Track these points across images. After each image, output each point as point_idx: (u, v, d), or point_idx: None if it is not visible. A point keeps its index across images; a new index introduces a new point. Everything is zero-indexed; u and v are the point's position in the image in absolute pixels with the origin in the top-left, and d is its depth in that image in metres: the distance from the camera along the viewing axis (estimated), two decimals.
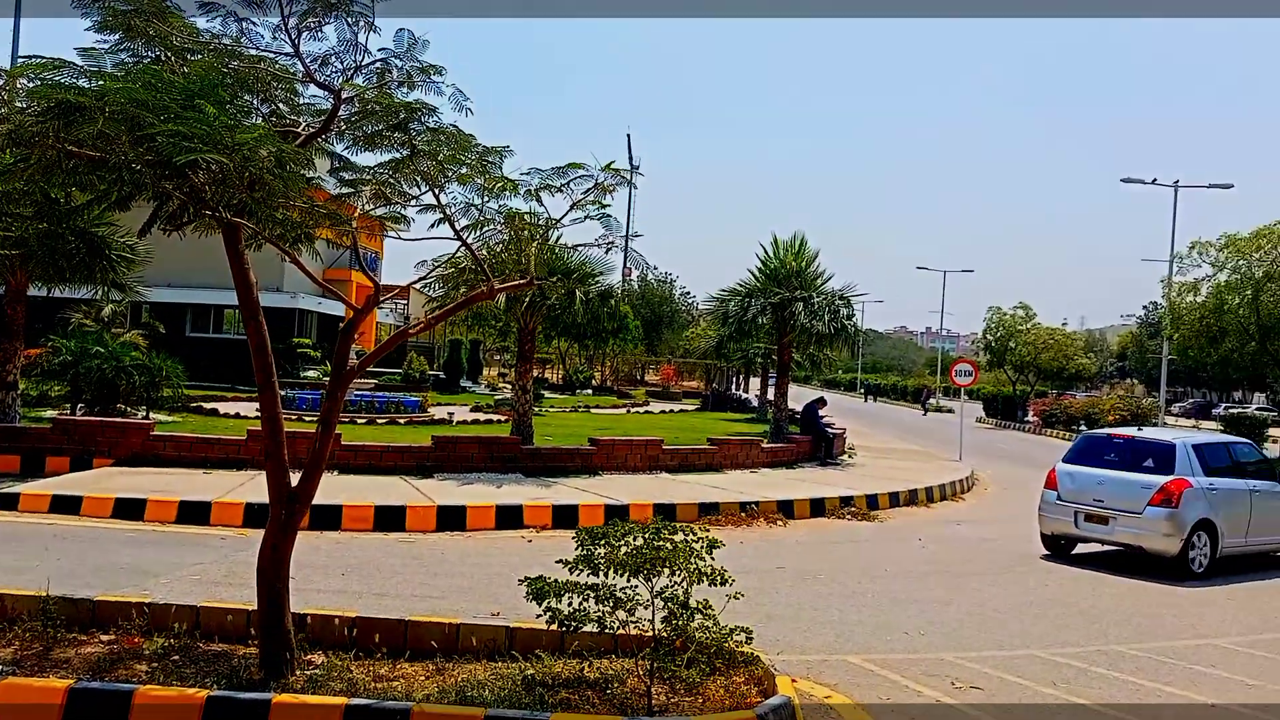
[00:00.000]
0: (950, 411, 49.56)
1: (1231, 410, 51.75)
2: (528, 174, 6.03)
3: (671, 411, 32.94)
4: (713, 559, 5.47)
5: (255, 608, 5.62)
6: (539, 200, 6.10)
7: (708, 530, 5.76)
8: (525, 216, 6.36)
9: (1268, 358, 27.46)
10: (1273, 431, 34.47)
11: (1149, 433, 12.49)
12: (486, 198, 6.03)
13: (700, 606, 5.35)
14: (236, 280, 5.42)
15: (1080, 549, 11.84)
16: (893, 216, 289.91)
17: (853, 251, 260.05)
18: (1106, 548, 11.66)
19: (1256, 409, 55.71)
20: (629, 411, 31.34)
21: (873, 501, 14.64)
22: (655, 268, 54.08)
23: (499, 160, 5.88)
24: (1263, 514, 11.51)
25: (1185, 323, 28.21)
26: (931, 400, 59.72)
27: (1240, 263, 26.28)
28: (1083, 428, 39.80)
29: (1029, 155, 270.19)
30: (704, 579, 5.38)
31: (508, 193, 6.00)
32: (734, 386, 51.21)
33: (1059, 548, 11.77)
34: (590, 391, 41.92)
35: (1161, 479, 10.81)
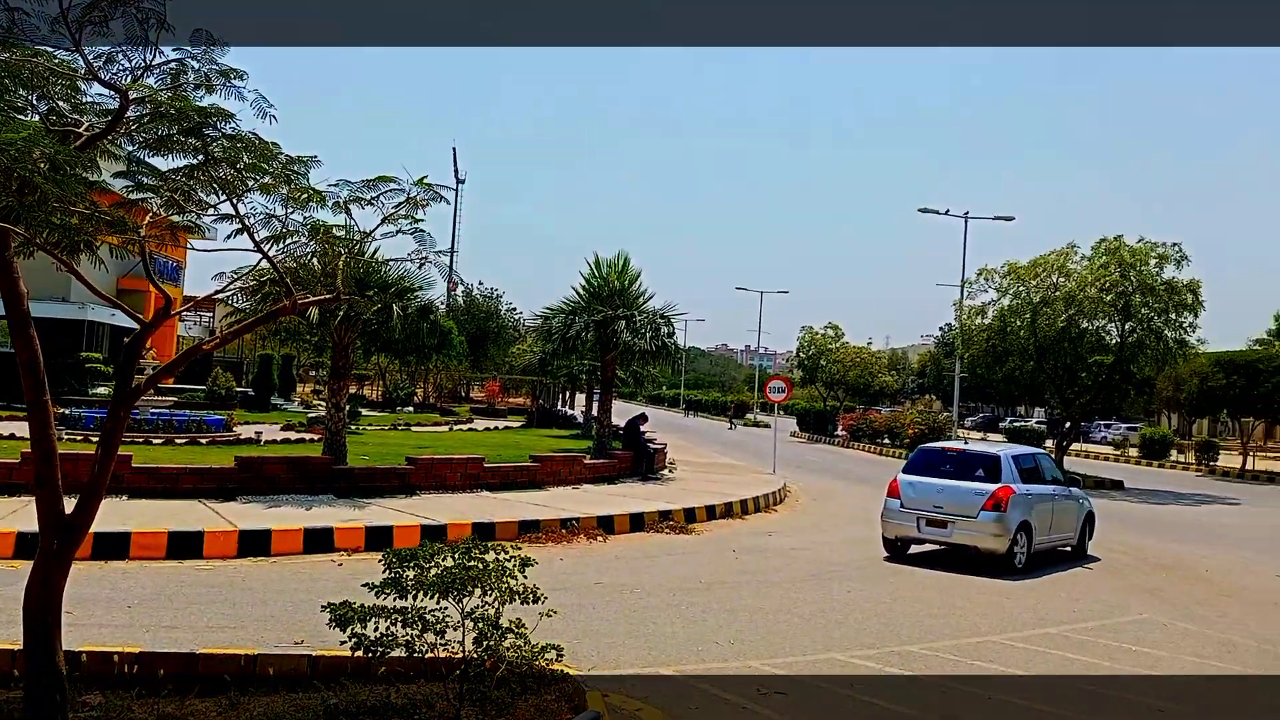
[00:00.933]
0: (766, 426, 51.55)
1: (1015, 424, 56.43)
2: (336, 185, 5.84)
3: (496, 429, 32.60)
4: (525, 577, 5.46)
5: (21, 647, 5.14)
6: (348, 213, 5.92)
7: (520, 549, 5.73)
8: (334, 229, 6.16)
9: (1044, 376, 30.16)
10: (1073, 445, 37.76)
11: (975, 446, 13.98)
12: (291, 208, 5.79)
13: (512, 626, 5.32)
14: (3, 291, 4.97)
15: (913, 549, 12.85)
16: (716, 238, 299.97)
17: (677, 272, 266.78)
18: (928, 547, 12.97)
19: (1036, 422, 61.03)
20: (451, 429, 30.78)
21: (690, 515, 15.01)
22: (480, 283, 53.42)
23: (305, 170, 5.66)
24: (1060, 515, 13.24)
25: (974, 343, 30.60)
26: (749, 415, 61.99)
27: (1020, 289, 28.80)
28: (886, 440, 42.37)
29: (841, 183, 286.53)
30: (516, 598, 5.36)
31: (314, 204, 5.79)
32: (560, 403, 51.27)
33: (898, 550, 12.90)
34: (411, 409, 40.89)
35: (991, 486, 12.19)
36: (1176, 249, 27.09)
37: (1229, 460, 39.98)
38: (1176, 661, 8.05)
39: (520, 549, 5.72)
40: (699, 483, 19.47)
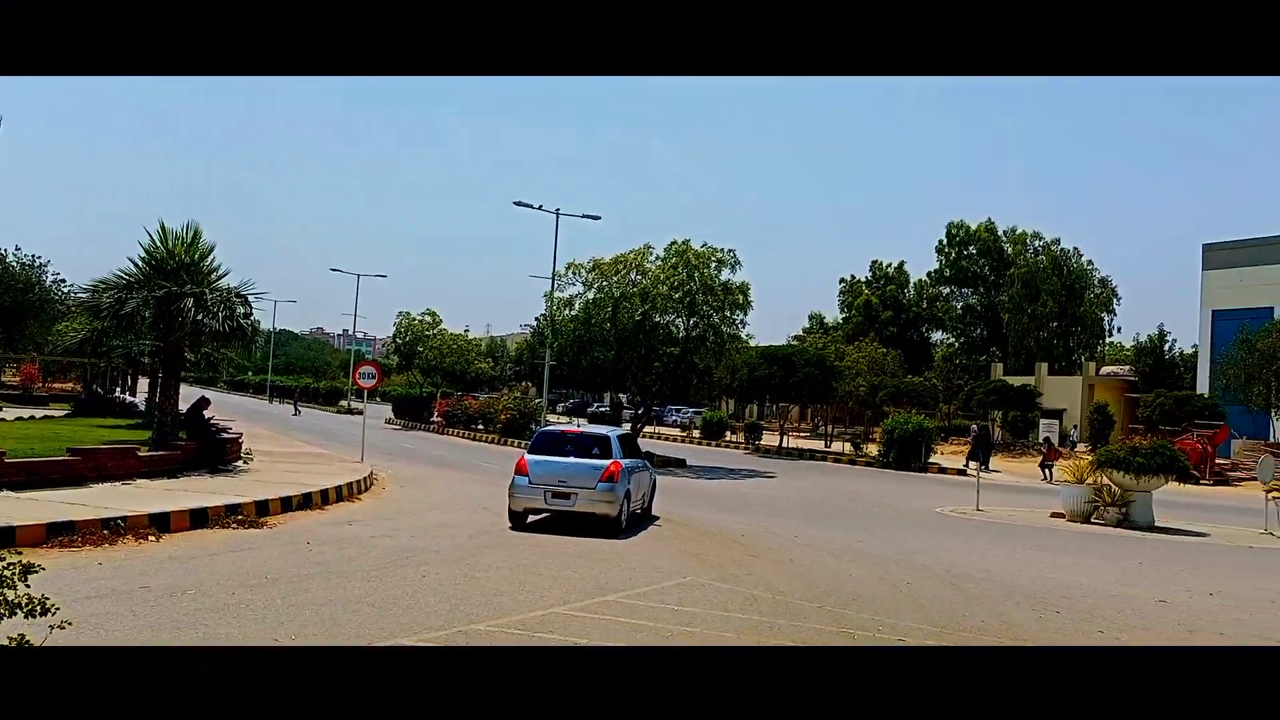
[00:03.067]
0: (360, 413, 49.97)
1: (601, 409, 60.28)
2: None
3: (33, 418, 28.06)
4: (28, 586, 4.74)
5: None
6: None
7: (20, 555, 4.95)
8: None
9: (624, 365, 32.63)
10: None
11: (590, 428, 16.51)
12: None
13: None
14: None
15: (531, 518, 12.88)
16: (310, 217, 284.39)
17: (264, 249, 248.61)
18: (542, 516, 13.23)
19: (620, 408, 65.81)
20: None
21: (263, 507, 14.09)
22: (18, 248, 45.51)
23: None
24: (641, 484, 15.91)
25: (563, 333, 32.26)
26: (343, 402, 59.71)
27: (604, 283, 30.86)
28: (480, 426, 43.17)
29: (445, 169, 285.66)
30: (19, 610, 4.63)
31: None
32: (121, 389, 45.46)
33: (521, 520, 14.60)
34: None
35: (605, 462, 14.42)
36: (732, 254, 30.73)
37: (770, 439, 46.25)
38: (709, 617, 9.11)
39: (20, 555, 4.95)
40: (277, 473, 18.36)
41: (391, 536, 13.11)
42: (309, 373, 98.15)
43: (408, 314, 50.53)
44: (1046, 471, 33.35)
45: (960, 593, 11.10)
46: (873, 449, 40.30)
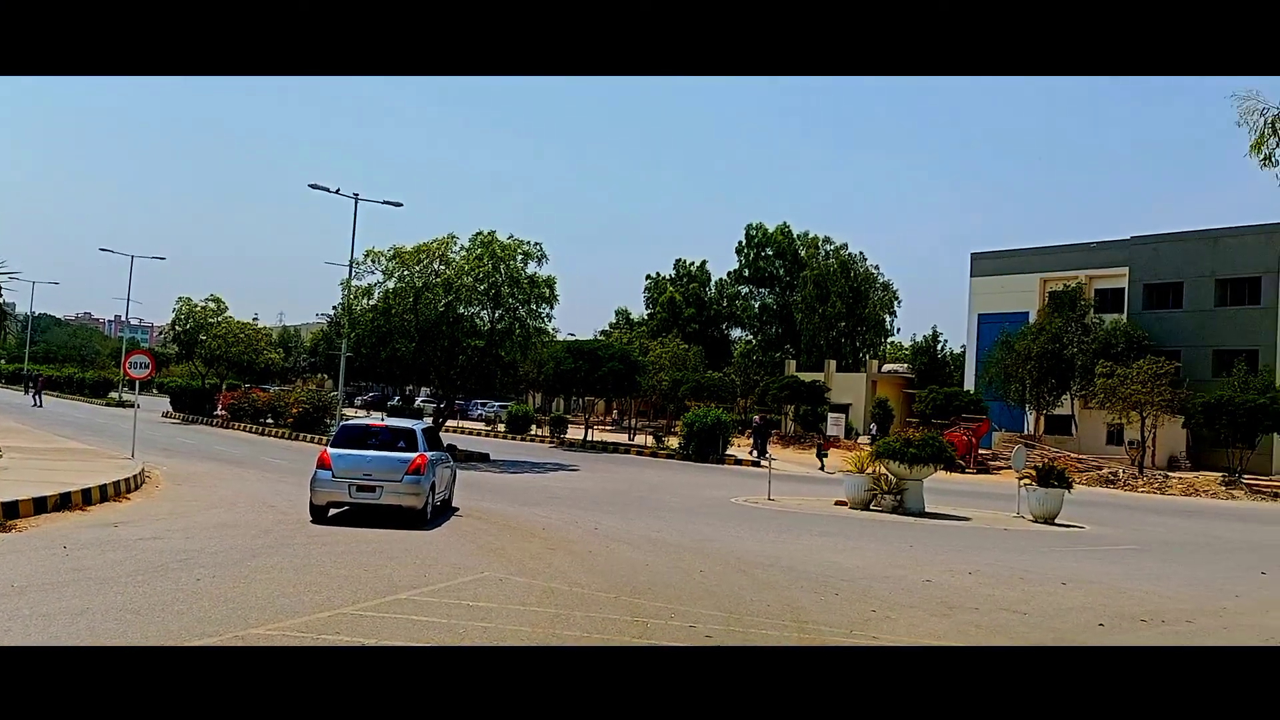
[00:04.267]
0: (133, 405, 46.17)
1: (397, 404, 58.56)
2: None
3: None
4: None
5: None
6: None
7: None
8: None
9: (425, 358, 31.82)
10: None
11: (394, 421, 16.61)
12: None
13: None
14: None
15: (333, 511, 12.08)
16: (72, 193, 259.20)
17: (29, 227, 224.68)
18: (344, 509, 14.64)
19: (422, 401, 64.28)
20: None
21: (11, 509, 12.70)
22: None
23: None
24: (445, 478, 16.01)
25: (361, 323, 31.05)
26: (113, 394, 55.08)
27: (405, 272, 29.96)
28: (269, 420, 40.90)
29: (233, 147, 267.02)
30: None
31: None
32: None
33: (323, 514, 14.33)
34: None
35: (411, 455, 14.46)
36: (539, 248, 30.62)
37: (576, 433, 46.53)
38: (504, 611, 9.01)
39: None
40: (31, 471, 16.64)
41: (163, 538, 12.15)
42: (74, 361, 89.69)
43: (188, 300, 47.01)
44: (823, 461, 36.09)
45: (750, 578, 11.55)
46: (674, 442, 41.38)
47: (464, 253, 30.09)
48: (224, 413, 43.94)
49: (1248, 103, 7.51)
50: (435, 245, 30.03)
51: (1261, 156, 7.51)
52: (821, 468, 35.04)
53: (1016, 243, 61.94)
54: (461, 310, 30.12)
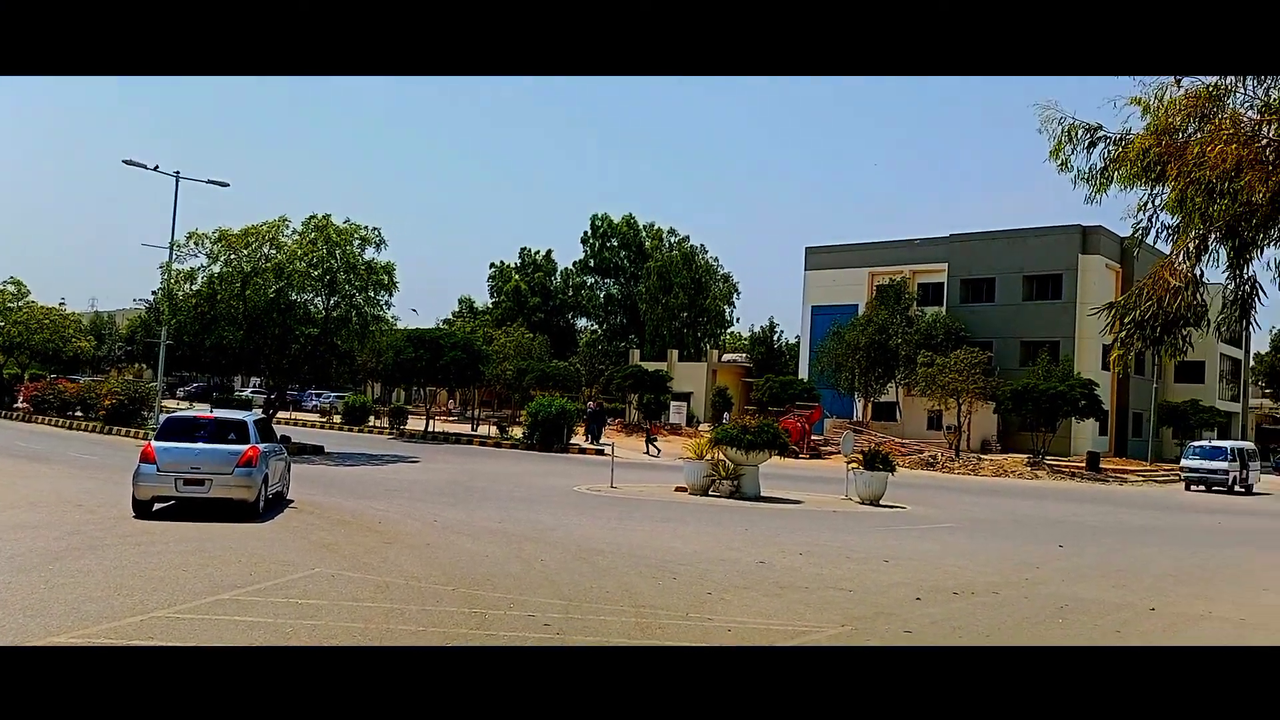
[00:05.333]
0: None
1: (221, 395, 55.65)
2: None
3: None
4: None
5: None
6: None
7: None
8: None
9: (255, 345, 30.30)
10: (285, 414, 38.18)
11: (223, 413, 15.82)
12: None
13: None
14: None
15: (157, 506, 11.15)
16: None
17: None
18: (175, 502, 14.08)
19: (252, 392, 61.23)
20: None
21: None
22: None
23: None
24: (279, 467, 15.82)
25: (182, 309, 29.21)
26: None
27: (231, 256, 28.38)
28: (78, 413, 38.00)
29: (38, 120, 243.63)
30: None
31: None
32: None
33: (147, 509, 13.91)
34: None
35: (243, 447, 14.11)
36: (376, 233, 29.65)
37: (417, 424, 45.49)
38: (335, 608, 8.71)
39: None
40: None
41: None
42: None
43: None
44: (650, 447, 37.67)
45: (590, 566, 11.63)
46: (518, 432, 41.11)
47: (297, 237, 28.76)
48: (26, 405, 40.49)
49: (1047, 112, 8.14)
50: (265, 228, 28.54)
51: (1059, 161, 8.15)
52: (647, 452, 36.85)
53: (849, 238, 64.77)
54: (294, 297, 28.77)
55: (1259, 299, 7.34)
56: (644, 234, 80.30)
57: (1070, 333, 48.60)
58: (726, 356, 71.66)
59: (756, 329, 75.10)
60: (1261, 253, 7.16)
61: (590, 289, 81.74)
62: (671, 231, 78.95)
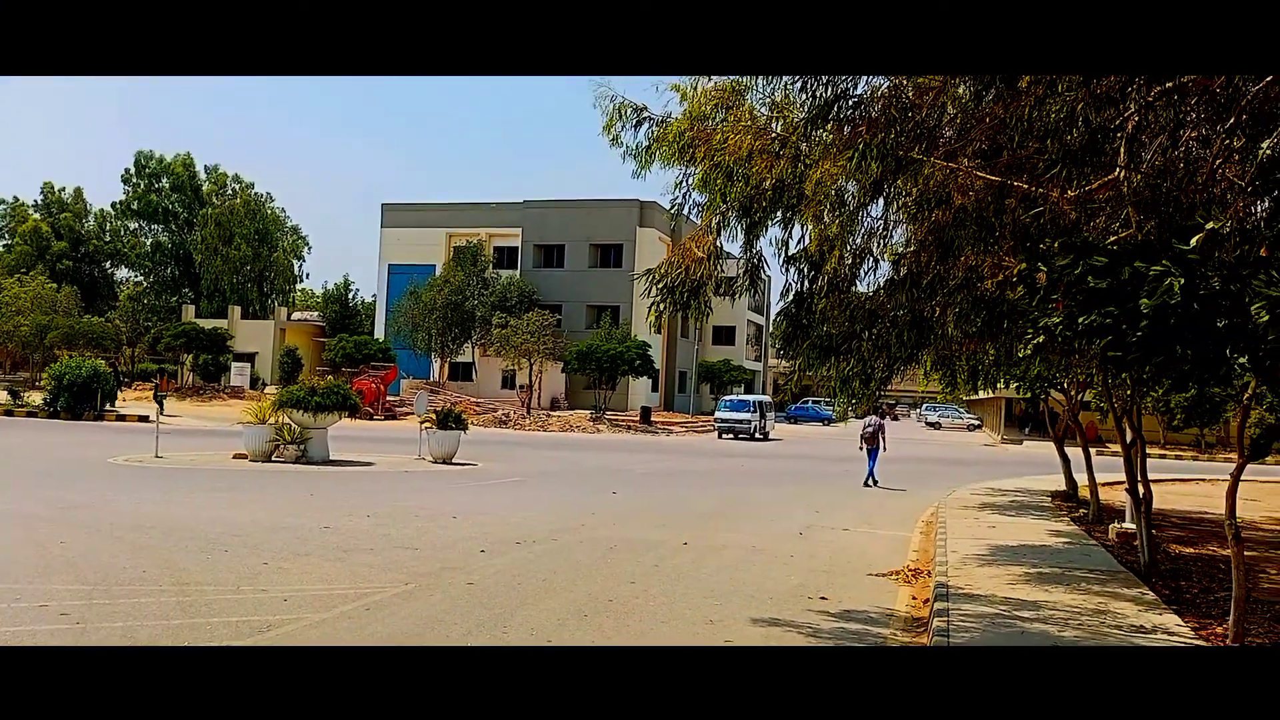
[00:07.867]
0: None
1: None
2: None
3: None
4: None
5: None
6: None
7: None
8: None
9: None
10: None
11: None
12: None
13: None
14: None
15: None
16: None
17: None
18: None
19: None
20: None
21: None
22: None
23: None
24: None
25: None
26: None
27: None
28: None
29: None
30: None
31: None
32: None
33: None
34: None
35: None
36: None
37: None
38: None
39: None
40: None
41: None
42: None
43: None
44: (161, 404, 34.46)
45: (124, 544, 10.38)
46: (37, 397, 35.42)
47: None
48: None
49: (601, 89, 8.68)
50: None
51: (611, 137, 8.75)
52: (161, 411, 33.27)
53: (428, 198, 64.35)
54: None
55: (764, 270, 8.55)
56: (203, 177, 72.77)
57: (629, 298, 53.04)
58: (297, 315, 67.90)
59: (330, 286, 71.83)
60: (767, 230, 8.34)
61: (134, 235, 72.37)
62: (237, 177, 72.49)
